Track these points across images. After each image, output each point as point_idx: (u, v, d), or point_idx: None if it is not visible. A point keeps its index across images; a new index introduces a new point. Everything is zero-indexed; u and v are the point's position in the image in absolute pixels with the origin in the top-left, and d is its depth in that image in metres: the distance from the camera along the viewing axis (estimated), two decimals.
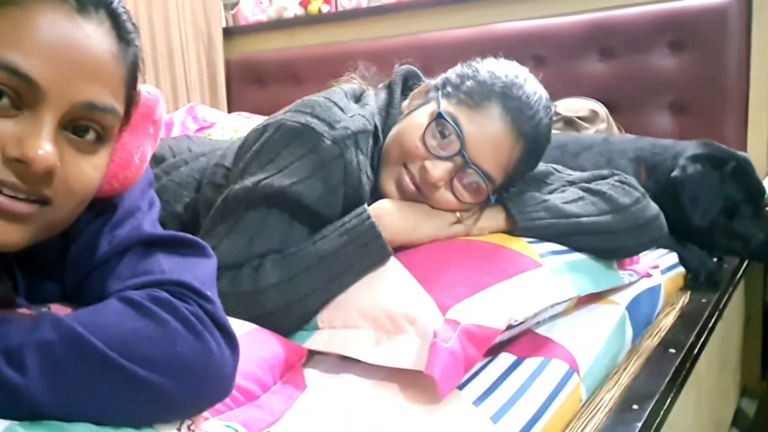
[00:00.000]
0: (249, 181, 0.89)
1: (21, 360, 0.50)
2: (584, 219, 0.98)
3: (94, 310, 0.56)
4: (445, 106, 0.93)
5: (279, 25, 2.72)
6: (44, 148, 0.51)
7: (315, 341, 0.84)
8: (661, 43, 1.92)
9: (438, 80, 1.00)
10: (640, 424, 0.77)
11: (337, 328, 0.84)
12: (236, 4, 2.87)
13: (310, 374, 0.80)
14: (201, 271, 0.62)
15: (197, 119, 2.37)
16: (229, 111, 2.71)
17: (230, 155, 1.05)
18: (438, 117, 0.92)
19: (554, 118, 1.12)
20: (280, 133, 0.92)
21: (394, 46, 2.31)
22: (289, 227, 0.90)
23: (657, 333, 1.08)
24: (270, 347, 0.77)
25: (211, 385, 0.57)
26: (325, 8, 2.61)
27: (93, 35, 0.54)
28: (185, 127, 2.30)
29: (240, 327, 0.74)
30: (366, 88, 1.06)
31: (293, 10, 2.69)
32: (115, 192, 0.65)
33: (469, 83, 0.94)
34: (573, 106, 1.88)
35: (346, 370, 0.81)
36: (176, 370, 0.54)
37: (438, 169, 0.92)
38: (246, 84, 2.83)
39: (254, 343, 0.75)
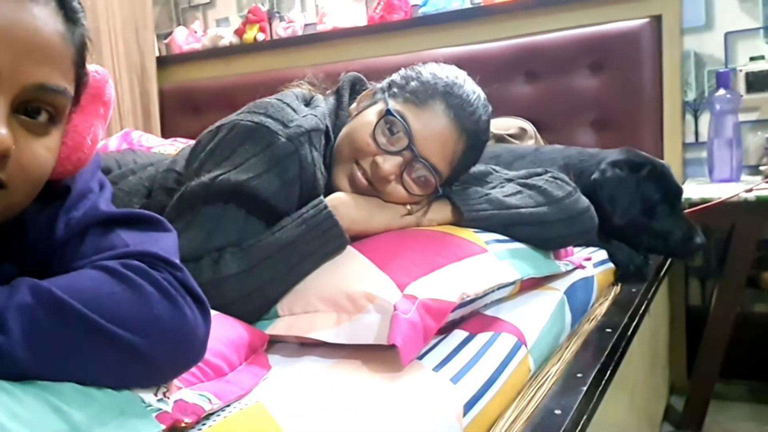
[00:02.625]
0: (206, 177, 0.92)
1: (3, 322, 0.50)
2: (523, 210, 1.05)
3: (69, 277, 0.56)
4: (393, 104, 0.99)
5: (214, 53, 2.75)
6: None
7: (276, 327, 0.86)
8: (582, 65, 2.06)
9: (383, 83, 1.06)
10: (585, 388, 0.84)
11: (298, 314, 0.86)
12: (170, 33, 2.89)
13: (273, 359, 0.82)
14: (164, 243, 0.64)
15: (133, 145, 2.35)
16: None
17: (181, 161, 1.07)
18: (386, 114, 0.97)
19: None
20: (235, 132, 0.95)
21: (330, 72, 2.37)
22: (246, 221, 0.92)
23: (593, 318, 1.15)
24: (235, 330, 0.79)
25: (186, 347, 0.59)
26: (261, 36, 2.66)
27: (40, 16, 0.54)
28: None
29: None
30: (315, 93, 1.11)
31: (228, 38, 2.73)
32: (68, 174, 0.65)
33: (413, 83, 1.01)
34: (503, 124, 1.99)
35: (307, 353, 0.83)
36: (153, 332, 0.55)
37: (389, 164, 0.97)
38: (181, 112, 2.82)
39: (219, 325, 0.77)
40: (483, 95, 1.04)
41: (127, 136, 2.35)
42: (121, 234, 0.64)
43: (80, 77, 0.61)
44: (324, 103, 1.07)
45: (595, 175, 1.44)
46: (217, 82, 2.70)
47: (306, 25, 2.66)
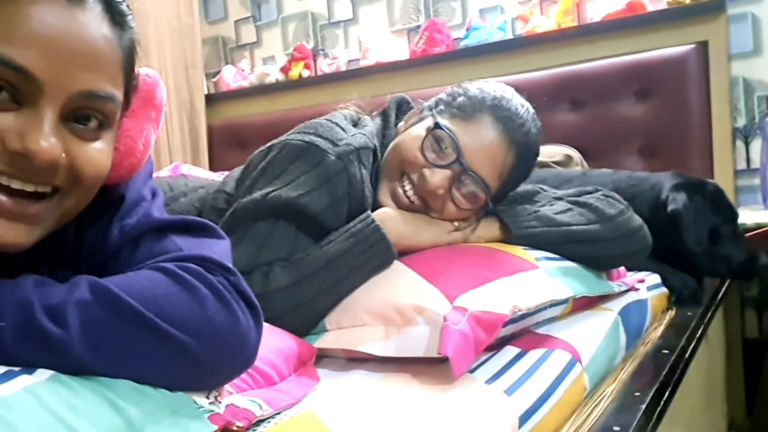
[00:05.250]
0: (257, 194, 0.93)
1: (63, 316, 0.51)
2: (574, 227, 1.03)
3: (127, 276, 0.57)
4: (440, 120, 0.99)
5: (261, 90, 2.81)
6: (47, 140, 0.52)
7: (324, 341, 0.86)
8: (628, 92, 2.04)
9: (430, 101, 1.07)
10: (643, 406, 0.80)
11: (346, 327, 0.86)
12: (218, 72, 2.97)
13: (321, 372, 0.81)
14: (217, 248, 0.64)
15: None
16: None
17: (231, 182, 1.09)
18: (435, 127, 0.98)
19: None
20: (286, 151, 0.97)
21: (373, 105, 2.41)
22: (296, 237, 0.93)
23: (648, 342, 1.11)
24: (285, 340, 0.79)
25: (237, 351, 0.59)
26: (306, 73, 2.72)
27: (85, 22, 0.53)
28: None
29: None
30: (362, 114, 1.12)
31: (275, 76, 2.79)
32: (121, 179, 0.65)
33: (460, 99, 1.01)
34: (548, 151, 1.97)
35: (355, 367, 0.82)
36: (207, 333, 0.55)
37: (437, 177, 0.97)
38: (228, 148, 2.88)
39: (270, 335, 0.77)
40: (531, 109, 1.04)
41: (177, 170, 2.40)
42: (175, 239, 0.64)
43: (129, 81, 0.61)
44: (372, 123, 1.08)
45: (671, 207, 1.37)
46: (264, 118, 2.75)
47: (350, 61, 2.71)
